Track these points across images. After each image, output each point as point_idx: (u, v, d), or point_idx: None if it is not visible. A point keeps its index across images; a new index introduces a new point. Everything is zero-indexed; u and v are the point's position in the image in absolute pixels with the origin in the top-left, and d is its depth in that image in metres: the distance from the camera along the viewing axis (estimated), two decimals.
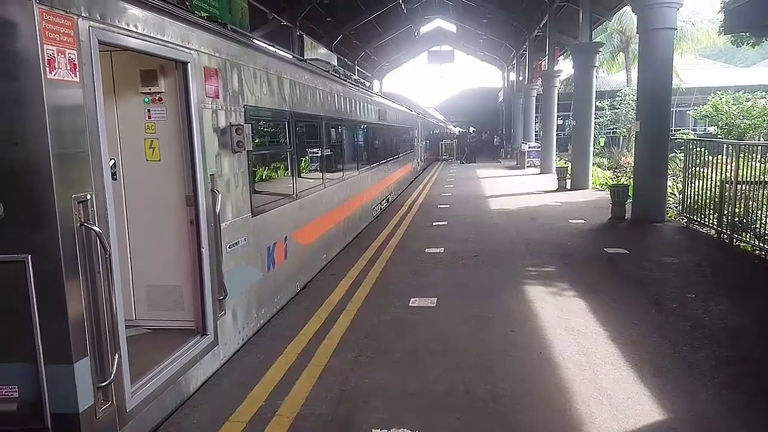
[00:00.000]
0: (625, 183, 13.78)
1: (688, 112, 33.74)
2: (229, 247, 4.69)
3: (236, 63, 4.94)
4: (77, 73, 2.93)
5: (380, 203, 13.40)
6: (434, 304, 6.14)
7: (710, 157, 10.11)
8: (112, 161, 3.98)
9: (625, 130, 28.26)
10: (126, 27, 3.34)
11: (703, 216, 10.18)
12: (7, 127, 2.76)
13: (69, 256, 2.88)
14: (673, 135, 13.69)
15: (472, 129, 50.85)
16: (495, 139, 39.45)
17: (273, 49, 6.44)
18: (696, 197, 10.46)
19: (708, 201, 9.93)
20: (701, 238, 9.79)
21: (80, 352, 2.96)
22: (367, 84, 17.61)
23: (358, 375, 4.43)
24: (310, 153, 7.84)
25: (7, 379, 2.95)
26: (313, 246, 7.35)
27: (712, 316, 5.60)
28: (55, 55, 2.79)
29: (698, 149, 10.70)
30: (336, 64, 11.75)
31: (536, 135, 30.98)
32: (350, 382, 4.30)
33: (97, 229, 3.01)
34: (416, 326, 5.52)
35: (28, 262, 2.82)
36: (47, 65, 2.74)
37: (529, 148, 27.43)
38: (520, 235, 10.06)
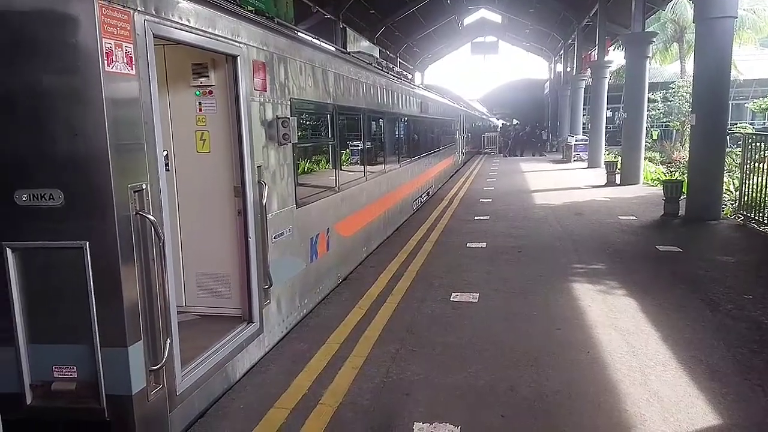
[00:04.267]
0: (679, 178, 13.23)
1: (746, 104, 32.14)
2: (274, 238, 4.76)
3: (283, 56, 4.99)
4: (133, 66, 3.02)
5: (421, 196, 13.35)
6: (476, 300, 6.07)
7: None
8: (165, 152, 4.10)
9: (678, 123, 27.15)
10: (179, 21, 3.42)
11: (761, 214, 9.68)
12: (68, 118, 2.87)
13: (125, 243, 2.99)
14: (730, 129, 13.01)
15: (515, 121, 49.94)
16: (543, 133, 38.45)
17: (317, 42, 6.47)
18: (754, 194, 9.95)
19: (766, 198, 9.43)
20: (759, 237, 9.30)
21: (134, 336, 3.07)
22: (409, 76, 17.55)
23: (400, 367, 4.43)
24: (352, 146, 7.87)
25: (67, 360, 3.09)
26: (354, 238, 7.39)
27: None
28: (113, 49, 2.87)
29: (757, 144, 10.16)
30: (378, 56, 11.72)
31: (584, 128, 30.14)
32: (392, 375, 4.31)
33: (152, 218, 3.11)
34: (458, 321, 5.47)
35: (86, 249, 2.93)
36: (105, 58, 2.82)
37: (576, 141, 26.68)
38: (566, 231, 9.82)
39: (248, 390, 4.10)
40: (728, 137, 11.41)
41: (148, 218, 3.10)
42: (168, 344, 3.27)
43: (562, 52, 36.14)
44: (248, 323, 4.44)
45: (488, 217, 11.47)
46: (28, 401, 3.11)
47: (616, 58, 25.53)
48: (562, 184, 17.65)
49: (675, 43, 31.93)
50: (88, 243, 2.93)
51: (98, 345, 3.01)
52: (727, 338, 4.88)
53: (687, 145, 17.54)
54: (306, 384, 4.19)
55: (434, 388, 4.09)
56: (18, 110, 2.89)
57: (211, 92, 4.42)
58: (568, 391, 4.00)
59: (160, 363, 3.22)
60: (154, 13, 3.18)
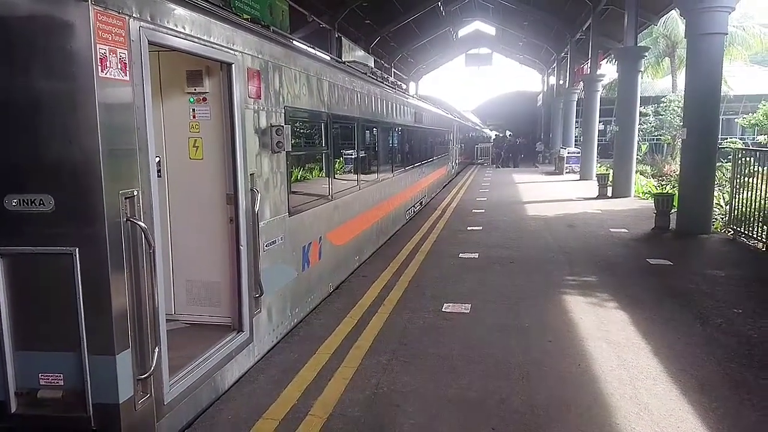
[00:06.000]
0: (670, 192, 13.35)
1: (736, 120, 32.56)
2: (266, 246, 4.74)
3: (278, 65, 4.99)
4: (127, 72, 3.00)
5: (414, 206, 13.36)
6: (468, 311, 6.06)
7: (759, 168, 9.70)
8: (157, 159, 4.07)
9: (669, 137, 27.41)
10: (174, 28, 3.41)
11: (751, 228, 9.77)
12: (61, 123, 2.85)
13: (115, 250, 2.96)
14: (720, 144, 13.16)
15: (508, 133, 50.24)
16: (537, 145, 38.74)
17: (313, 51, 6.49)
18: (744, 209, 10.04)
19: (756, 213, 9.53)
20: (749, 251, 9.39)
21: (122, 345, 3.03)
22: (403, 86, 17.61)
23: (391, 379, 4.40)
24: (346, 154, 7.88)
25: (53, 368, 3.04)
26: (346, 247, 7.37)
27: (761, 333, 5.35)
28: (107, 55, 2.86)
29: (747, 159, 10.28)
30: (373, 65, 11.77)
31: (576, 140, 30.37)
32: (382, 386, 4.28)
33: (143, 225, 3.08)
34: (450, 332, 5.45)
35: (75, 255, 2.90)
36: (99, 64, 2.81)
37: (568, 153, 26.88)
38: (558, 243, 9.85)
39: (237, 400, 4.06)
40: (718, 152, 11.51)
41: (138, 225, 3.07)
42: (156, 353, 3.23)
43: (555, 64, 36.49)
44: (238, 332, 4.40)
45: (481, 228, 11.49)
46: (13, 409, 3.06)
47: (609, 71, 25.76)
48: (554, 195, 17.74)
49: (667, 58, 32.30)
50: (77, 249, 2.90)
51: (86, 353, 2.97)
52: (717, 352, 4.90)
53: (678, 159, 17.70)
54: (295, 395, 4.15)
55: (425, 399, 4.07)
56: (10, 114, 2.87)
57: (205, 99, 4.41)
58: (559, 404, 3.99)
59: (148, 372, 3.18)
60: (149, 19, 3.18)
